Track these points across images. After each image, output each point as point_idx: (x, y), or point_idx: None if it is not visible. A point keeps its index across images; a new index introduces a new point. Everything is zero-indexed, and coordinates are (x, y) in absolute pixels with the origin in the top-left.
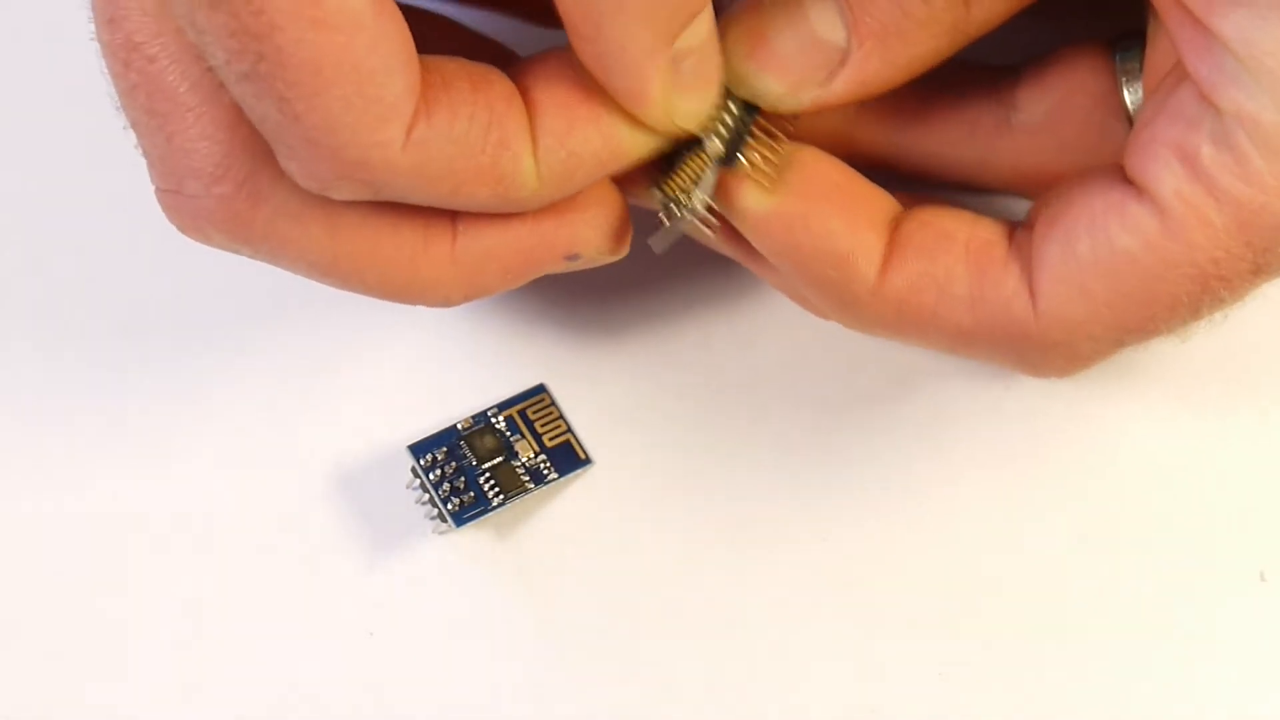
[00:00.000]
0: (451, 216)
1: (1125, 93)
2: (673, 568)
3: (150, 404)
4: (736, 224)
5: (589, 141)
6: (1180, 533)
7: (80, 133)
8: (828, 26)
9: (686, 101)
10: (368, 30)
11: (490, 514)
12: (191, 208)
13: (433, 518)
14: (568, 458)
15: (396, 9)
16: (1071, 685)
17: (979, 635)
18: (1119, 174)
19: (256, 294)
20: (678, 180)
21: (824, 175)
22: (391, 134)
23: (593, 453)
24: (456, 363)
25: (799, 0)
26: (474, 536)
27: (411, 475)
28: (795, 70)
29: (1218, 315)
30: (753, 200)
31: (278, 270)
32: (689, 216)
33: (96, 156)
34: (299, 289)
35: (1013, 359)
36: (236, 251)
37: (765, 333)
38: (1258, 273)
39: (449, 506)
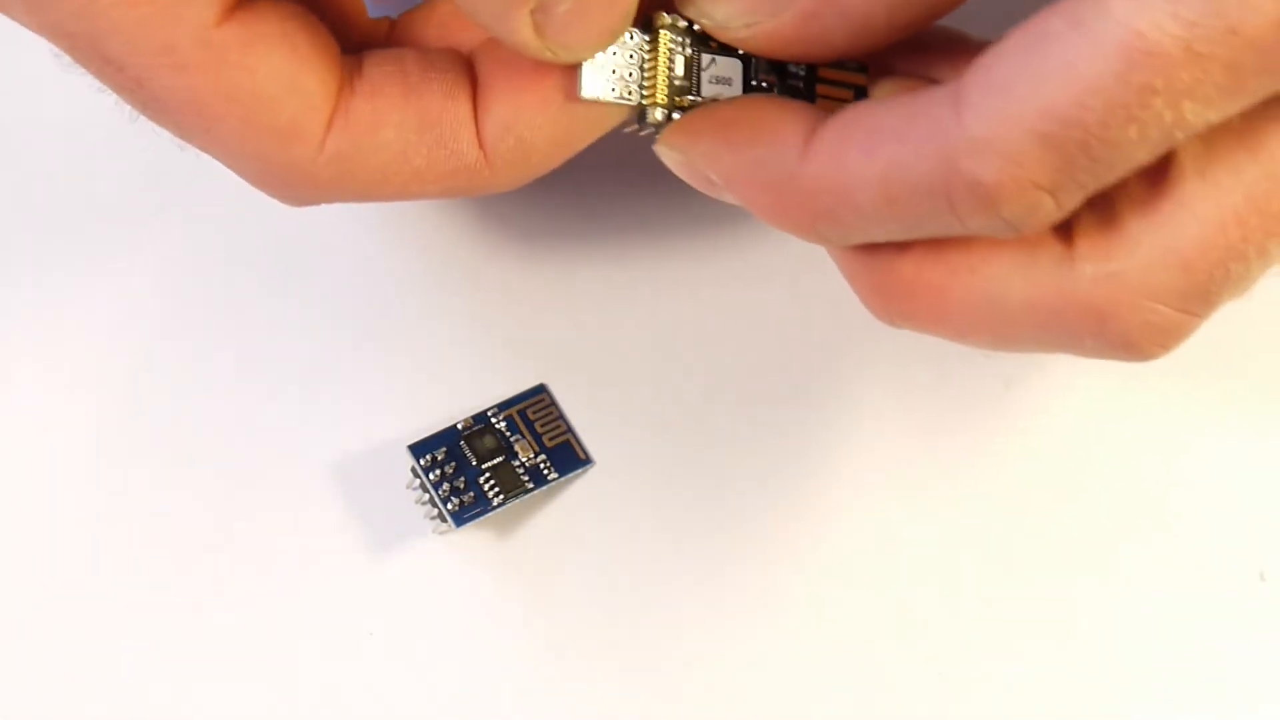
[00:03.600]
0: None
1: None
2: (672, 567)
3: (150, 404)
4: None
5: (539, 128)
6: (1180, 533)
7: (84, 133)
8: None
9: (571, 40)
10: (234, 64)
11: (490, 514)
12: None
13: (433, 518)
14: (568, 458)
15: (279, 28)
16: (1072, 685)
17: (979, 636)
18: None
19: (257, 294)
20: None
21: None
22: (299, 153)
23: (593, 453)
24: (456, 363)
25: None
26: (474, 536)
27: (411, 475)
28: None
29: (1171, 130)
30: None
31: (279, 271)
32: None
33: (97, 155)
34: (299, 289)
35: (942, 186)
36: None
37: (765, 333)
38: (1190, 55)
39: (449, 506)
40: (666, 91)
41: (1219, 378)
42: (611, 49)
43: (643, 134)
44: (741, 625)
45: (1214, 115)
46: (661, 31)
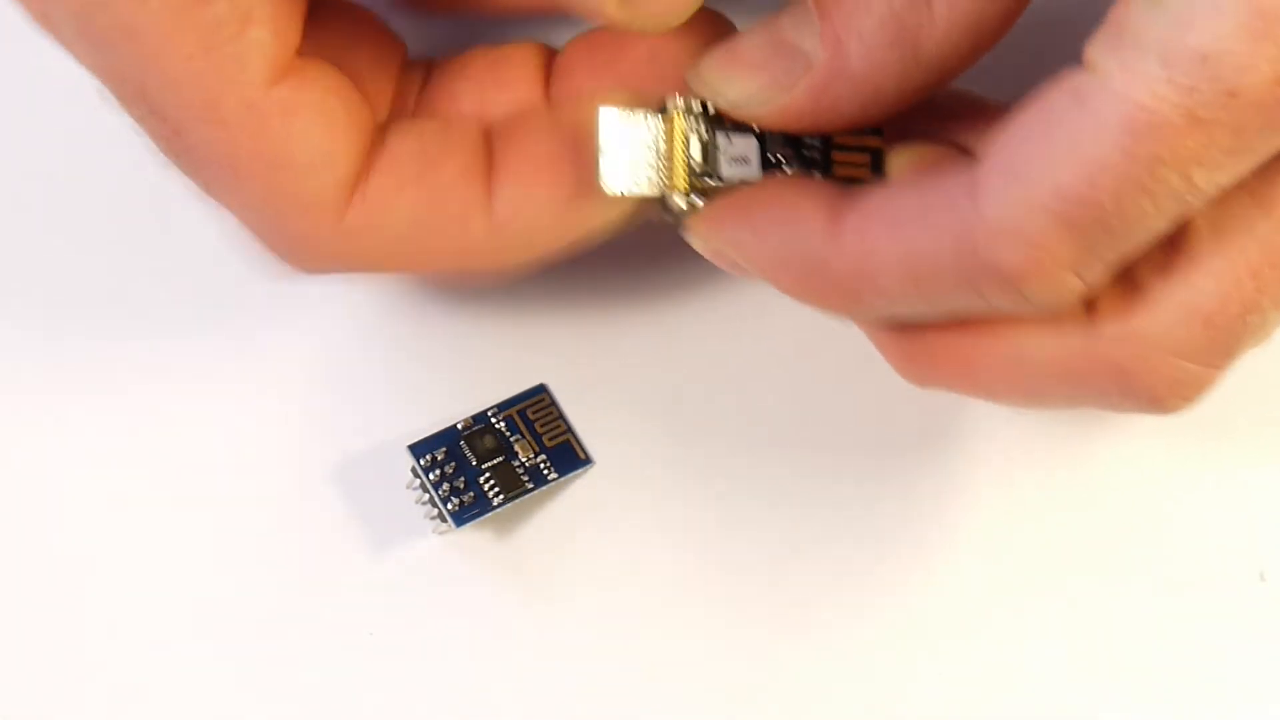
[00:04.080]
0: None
1: None
2: (673, 568)
3: (150, 404)
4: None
5: (542, 217)
6: (1180, 533)
7: (85, 132)
8: (798, 32)
9: (656, 9)
10: (274, 129)
11: (490, 514)
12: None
13: (433, 518)
14: (568, 458)
15: (321, 98)
16: (1071, 685)
17: (978, 635)
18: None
19: (257, 294)
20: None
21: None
22: (317, 223)
23: (593, 453)
24: (456, 363)
25: (776, 14)
26: (474, 536)
27: (411, 475)
28: (761, 71)
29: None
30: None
31: (279, 271)
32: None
33: (104, 155)
34: (299, 288)
35: (965, 271)
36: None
37: (766, 333)
38: (1193, 122)
39: (449, 506)
40: (686, 176)
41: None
42: (627, 140)
43: (668, 220)
44: (741, 625)
45: (1225, 178)
46: (676, 116)
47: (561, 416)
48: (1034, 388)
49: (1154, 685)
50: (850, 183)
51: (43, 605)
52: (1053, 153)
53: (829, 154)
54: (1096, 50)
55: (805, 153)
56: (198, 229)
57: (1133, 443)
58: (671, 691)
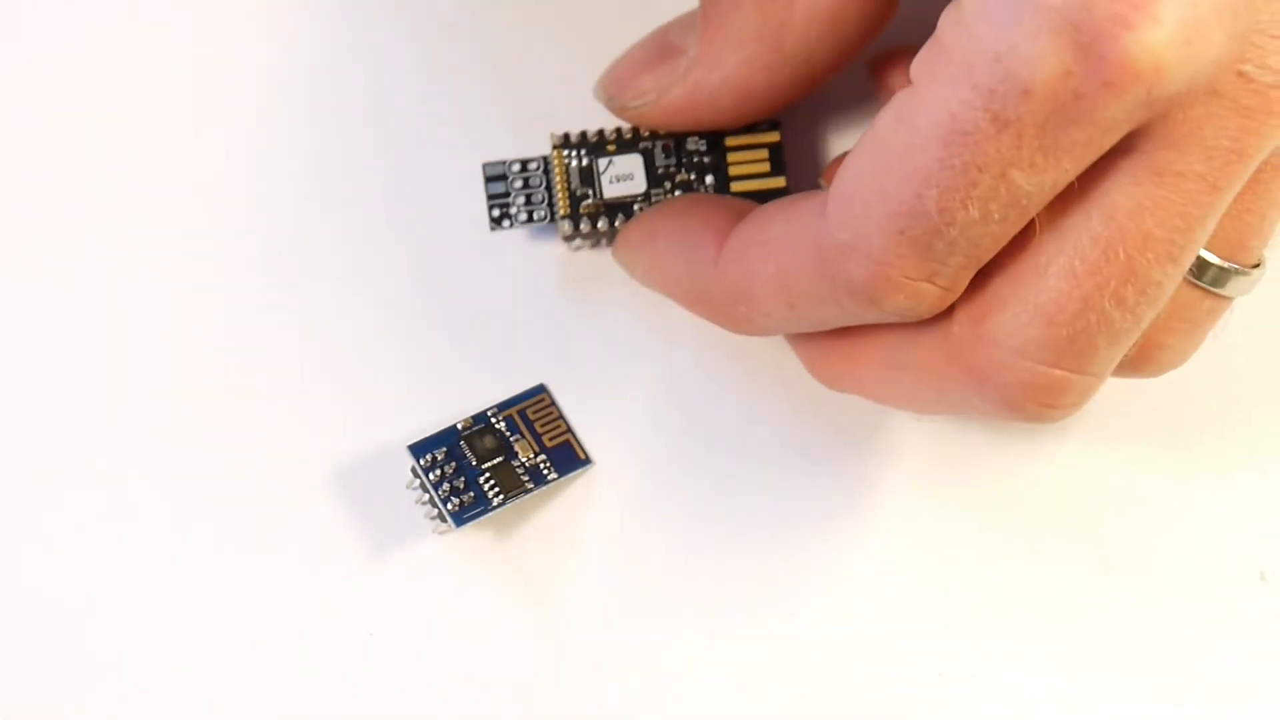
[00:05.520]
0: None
1: None
2: (672, 568)
3: (150, 403)
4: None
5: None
6: (1180, 534)
7: (90, 142)
8: (683, 35)
9: None
10: None
11: (490, 514)
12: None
13: (433, 518)
14: (567, 458)
15: None
16: (1072, 686)
17: (978, 635)
18: None
19: (257, 294)
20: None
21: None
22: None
23: (593, 453)
24: (456, 363)
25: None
26: (474, 536)
27: (411, 475)
28: (649, 73)
29: (1009, 200)
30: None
31: (279, 271)
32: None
33: (110, 159)
34: (299, 289)
35: (827, 289)
36: None
37: None
38: (999, 125)
39: (449, 506)
40: (567, 203)
41: (1219, 377)
42: (512, 185)
43: (575, 246)
44: (741, 625)
45: (1049, 178)
46: (554, 150)
47: (561, 416)
48: (909, 391)
49: (1154, 685)
50: (751, 179)
51: (43, 606)
52: (882, 171)
53: (724, 156)
54: (915, 68)
55: (693, 159)
56: (196, 231)
57: (1133, 443)
58: (671, 690)
